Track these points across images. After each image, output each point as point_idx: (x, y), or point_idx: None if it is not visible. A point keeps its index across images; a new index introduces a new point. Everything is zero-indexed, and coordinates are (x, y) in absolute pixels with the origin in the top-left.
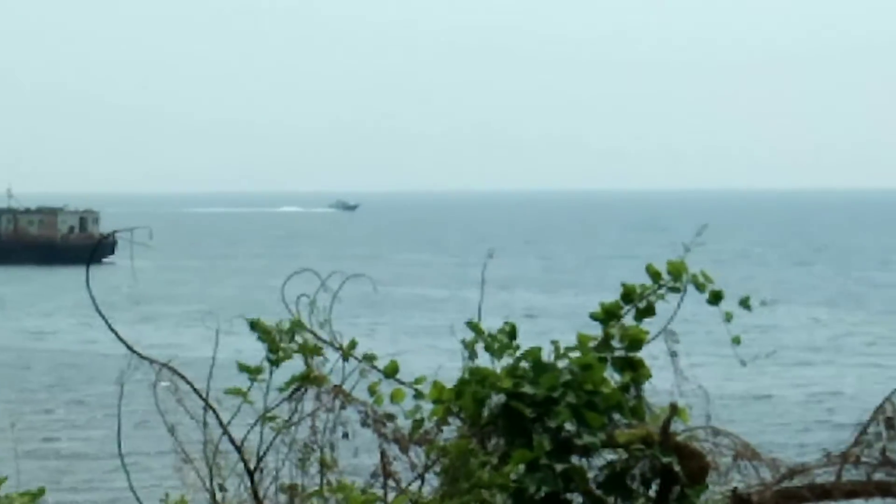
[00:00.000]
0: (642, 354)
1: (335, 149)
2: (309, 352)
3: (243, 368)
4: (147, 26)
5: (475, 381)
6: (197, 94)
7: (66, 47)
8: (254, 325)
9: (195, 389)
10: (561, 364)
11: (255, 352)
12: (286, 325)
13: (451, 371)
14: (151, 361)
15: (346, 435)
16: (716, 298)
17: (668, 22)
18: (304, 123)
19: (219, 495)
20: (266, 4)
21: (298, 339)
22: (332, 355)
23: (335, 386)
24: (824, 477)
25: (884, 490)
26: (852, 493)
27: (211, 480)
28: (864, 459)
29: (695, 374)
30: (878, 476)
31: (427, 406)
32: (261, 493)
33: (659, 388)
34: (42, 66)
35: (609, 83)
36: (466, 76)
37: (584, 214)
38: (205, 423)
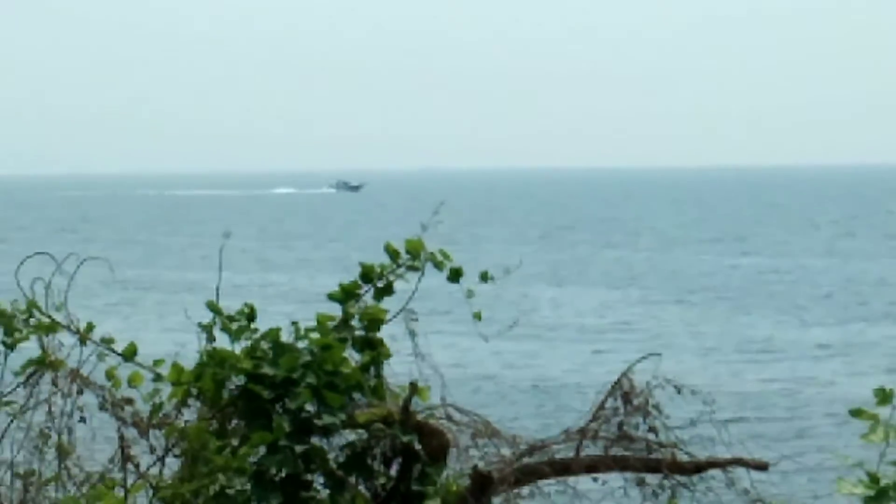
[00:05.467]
0: (383, 334)
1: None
2: (45, 332)
3: None
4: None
5: (214, 362)
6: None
7: None
8: None
9: None
10: (301, 345)
11: None
12: (22, 307)
13: (193, 354)
14: None
15: (83, 419)
16: (455, 276)
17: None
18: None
19: None
20: None
21: (34, 322)
22: (70, 339)
23: (72, 370)
24: (564, 452)
25: (621, 464)
26: (591, 467)
27: None
28: (601, 434)
29: (436, 353)
30: (616, 450)
31: (167, 389)
32: None
33: (398, 370)
34: None
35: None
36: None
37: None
38: None
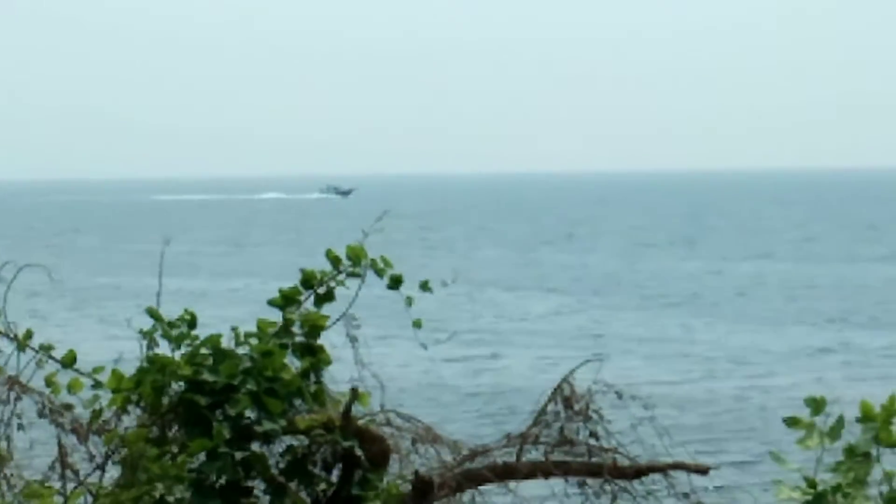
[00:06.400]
0: (324, 341)
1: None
2: None
3: None
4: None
5: (154, 369)
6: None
7: None
8: None
9: None
10: (241, 351)
11: None
12: None
13: (136, 361)
14: None
15: (21, 427)
16: (395, 283)
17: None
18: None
19: None
20: None
21: None
22: (8, 346)
23: (10, 377)
24: (506, 457)
25: (563, 468)
26: (532, 472)
27: None
28: (543, 439)
29: (379, 359)
30: (557, 455)
31: (108, 396)
32: None
33: (338, 376)
34: None
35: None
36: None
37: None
38: None
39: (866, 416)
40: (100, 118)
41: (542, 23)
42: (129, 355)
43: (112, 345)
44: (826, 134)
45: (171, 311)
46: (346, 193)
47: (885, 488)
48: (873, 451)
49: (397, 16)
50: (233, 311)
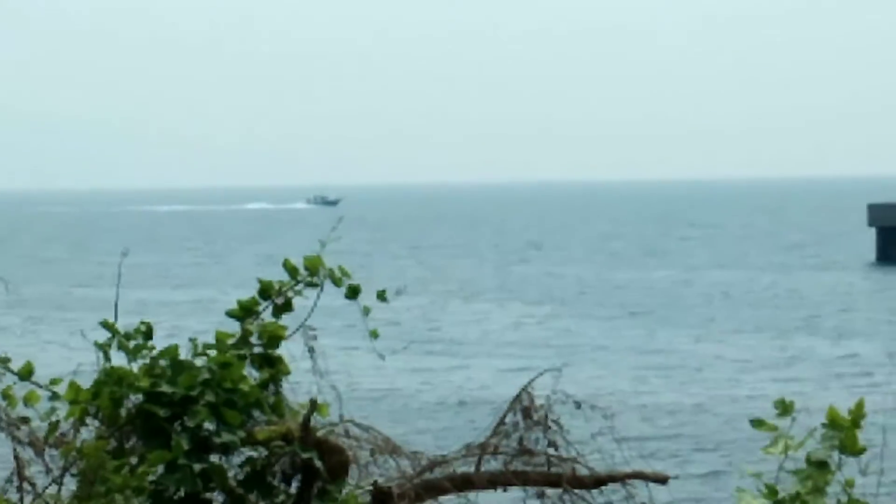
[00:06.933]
0: (283, 352)
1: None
2: None
3: None
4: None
5: (112, 381)
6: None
7: None
8: None
9: None
10: (199, 362)
11: None
12: None
13: (91, 372)
14: None
15: None
16: (353, 293)
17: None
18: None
19: None
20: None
21: None
22: None
23: None
24: (465, 468)
25: (522, 478)
26: (492, 482)
27: None
28: (502, 449)
29: (340, 370)
30: (516, 465)
31: (65, 408)
32: None
33: (297, 387)
34: None
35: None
36: None
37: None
38: None
39: (833, 423)
40: (86, 126)
41: (522, 27)
42: (88, 367)
43: (71, 356)
44: (793, 143)
45: (133, 323)
46: (333, 203)
47: (843, 497)
48: (833, 459)
49: (393, 26)
50: (195, 321)
